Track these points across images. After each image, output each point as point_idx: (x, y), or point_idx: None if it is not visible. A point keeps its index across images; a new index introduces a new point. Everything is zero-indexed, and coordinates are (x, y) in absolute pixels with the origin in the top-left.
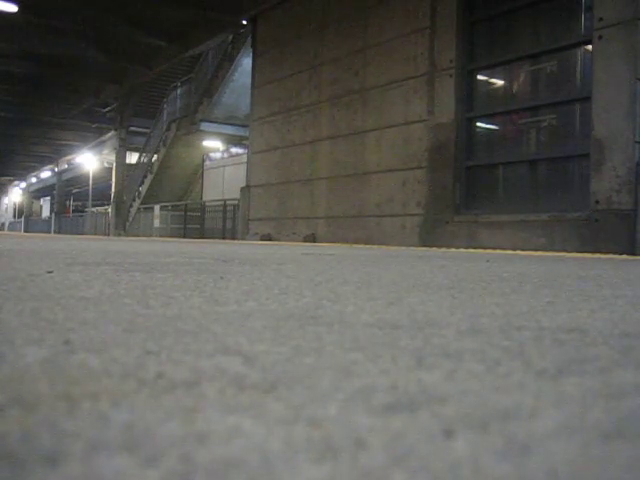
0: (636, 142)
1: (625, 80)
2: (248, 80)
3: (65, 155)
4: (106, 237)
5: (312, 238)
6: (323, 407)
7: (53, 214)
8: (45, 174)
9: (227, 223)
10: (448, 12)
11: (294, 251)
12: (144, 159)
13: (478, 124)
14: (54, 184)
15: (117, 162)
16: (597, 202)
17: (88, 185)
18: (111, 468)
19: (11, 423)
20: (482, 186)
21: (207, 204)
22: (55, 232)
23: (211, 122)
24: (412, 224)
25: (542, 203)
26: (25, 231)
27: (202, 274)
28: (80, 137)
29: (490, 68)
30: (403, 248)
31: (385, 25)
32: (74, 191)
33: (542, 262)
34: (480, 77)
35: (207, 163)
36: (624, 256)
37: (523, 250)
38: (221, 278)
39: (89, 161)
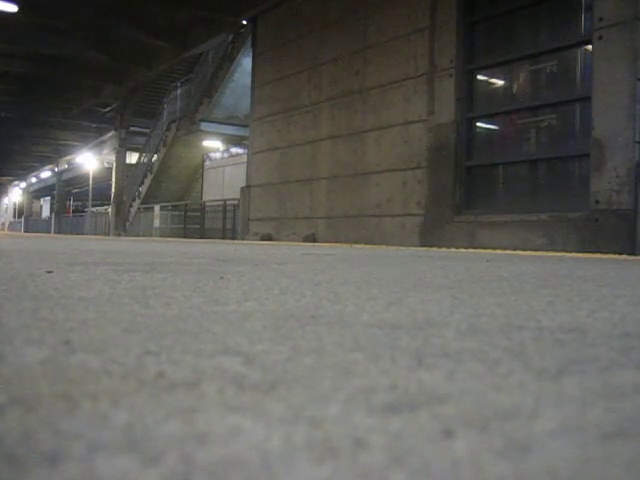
0: (636, 142)
1: (625, 80)
2: (248, 80)
3: (65, 155)
4: (106, 237)
5: (312, 238)
6: (323, 407)
7: (53, 214)
8: (45, 174)
9: (227, 223)
10: (448, 12)
11: (294, 251)
12: (144, 159)
13: (478, 124)
14: (54, 184)
15: (117, 162)
16: (597, 202)
17: (88, 185)
18: (111, 468)
19: (11, 423)
20: (482, 186)
21: (207, 204)
22: (55, 232)
23: (211, 122)
24: (412, 224)
25: (542, 203)
26: (25, 231)
27: (202, 274)
28: (80, 137)
29: (490, 68)
30: (403, 248)
31: (385, 25)
32: (74, 191)
33: (542, 262)
34: (480, 77)
35: (207, 163)
36: (624, 256)
37: (523, 250)
38: (221, 278)
39: (89, 161)
